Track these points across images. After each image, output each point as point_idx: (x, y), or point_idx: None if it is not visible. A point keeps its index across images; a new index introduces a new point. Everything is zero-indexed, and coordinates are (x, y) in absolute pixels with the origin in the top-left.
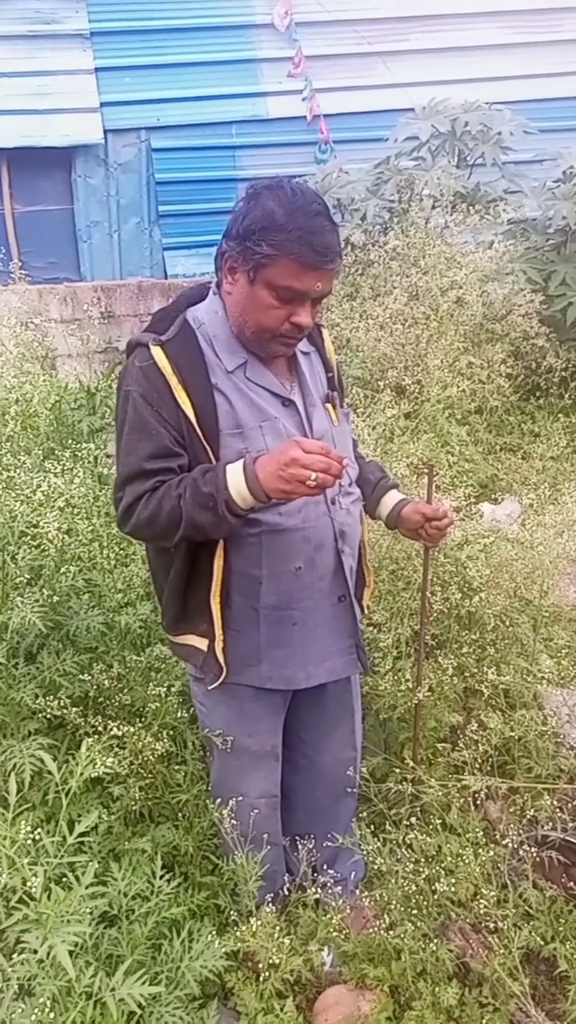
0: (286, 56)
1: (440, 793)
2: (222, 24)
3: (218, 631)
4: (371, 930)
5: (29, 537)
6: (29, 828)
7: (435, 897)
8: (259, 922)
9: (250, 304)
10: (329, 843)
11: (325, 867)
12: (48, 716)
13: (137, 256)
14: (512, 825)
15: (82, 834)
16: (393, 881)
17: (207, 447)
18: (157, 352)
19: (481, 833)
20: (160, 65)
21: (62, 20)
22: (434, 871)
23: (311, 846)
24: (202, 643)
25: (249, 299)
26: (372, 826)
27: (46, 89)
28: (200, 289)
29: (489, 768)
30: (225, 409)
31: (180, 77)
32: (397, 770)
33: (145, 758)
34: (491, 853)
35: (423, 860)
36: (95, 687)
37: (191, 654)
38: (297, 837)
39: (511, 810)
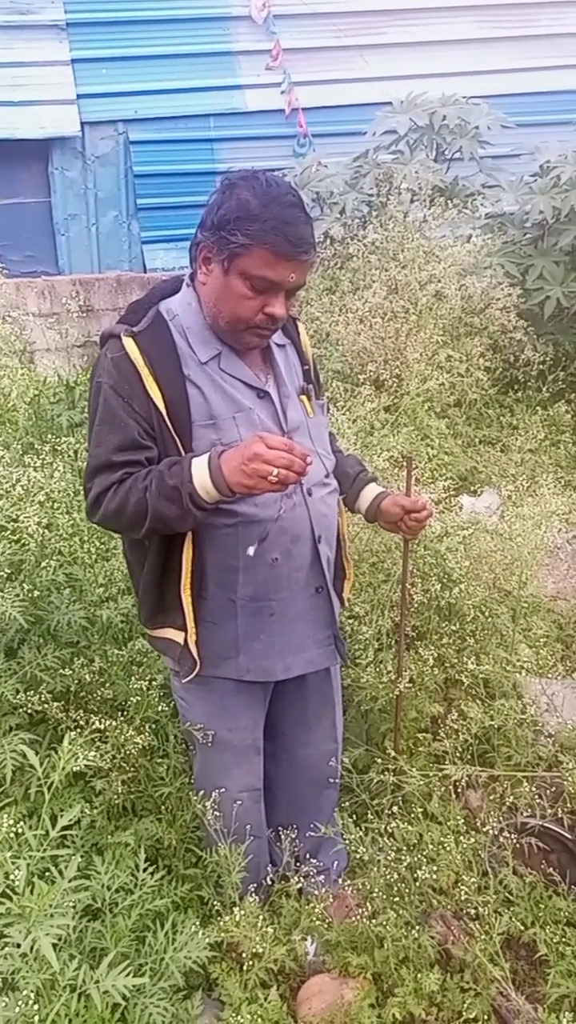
0: (264, 49)
1: (421, 782)
2: (199, 16)
3: (190, 624)
4: (354, 919)
5: (9, 532)
6: (11, 822)
7: (417, 885)
8: (242, 912)
9: (224, 294)
10: (312, 833)
11: (308, 857)
12: (30, 711)
13: (115, 249)
14: (492, 813)
15: (65, 828)
16: (375, 870)
17: (176, 439)
18: (129, 343)
19: (462, 821)
20: (137, 57)
21: (38, 11)
22: (416, 859)
23: (294, 836)
24: (179, 636)
25: (223, 289)
26: (354, 816)
27: (21, 81)
28: (174, 282)
29: (469, 757)
30: (198, 400)
31: (157, 69)
32: (379, 760)
33: (127, 752)
34: (472, 841)
35: (405, 849)
36: (77, 681)
37: (168, 647)
38: (280, 828)
39: (491, 798)
